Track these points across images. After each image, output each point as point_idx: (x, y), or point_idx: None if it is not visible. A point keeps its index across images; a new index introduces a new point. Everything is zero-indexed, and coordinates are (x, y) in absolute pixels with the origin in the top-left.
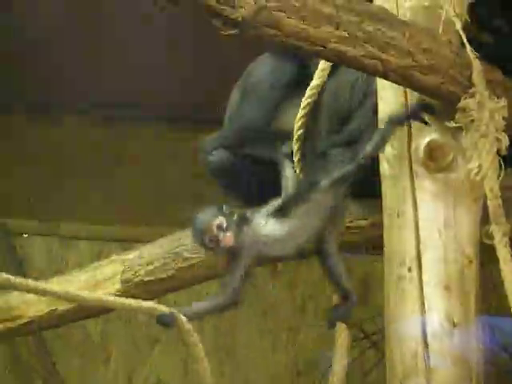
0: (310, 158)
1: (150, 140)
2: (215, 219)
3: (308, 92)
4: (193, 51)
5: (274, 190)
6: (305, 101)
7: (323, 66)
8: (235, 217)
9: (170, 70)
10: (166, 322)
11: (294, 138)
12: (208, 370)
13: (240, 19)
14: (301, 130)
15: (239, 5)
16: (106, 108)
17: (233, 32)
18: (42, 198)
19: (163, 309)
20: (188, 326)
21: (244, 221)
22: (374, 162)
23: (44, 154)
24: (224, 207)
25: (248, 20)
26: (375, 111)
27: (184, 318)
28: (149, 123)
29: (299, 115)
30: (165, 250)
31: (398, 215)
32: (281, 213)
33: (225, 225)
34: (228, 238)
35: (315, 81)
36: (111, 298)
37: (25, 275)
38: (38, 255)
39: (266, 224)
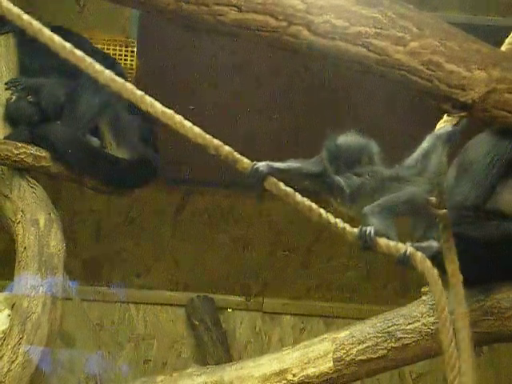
0: None
1: None
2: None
3: None
4: None
5: (493, 268)
6: None
7: None
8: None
9: None
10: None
11: None
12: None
13: (470, 102)
14: None
15: (470, 87)
16: None
17: (462, 115)
18: (246, 275)
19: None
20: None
21: None
22: None
23: (251, 234)
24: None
25: (478, 102)
26: None
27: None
28: None
29: None
30: (377, 330)
31: None
32: None
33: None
34: None
35: None
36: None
37: (229, 348)
38: (242, 329)
39: None
